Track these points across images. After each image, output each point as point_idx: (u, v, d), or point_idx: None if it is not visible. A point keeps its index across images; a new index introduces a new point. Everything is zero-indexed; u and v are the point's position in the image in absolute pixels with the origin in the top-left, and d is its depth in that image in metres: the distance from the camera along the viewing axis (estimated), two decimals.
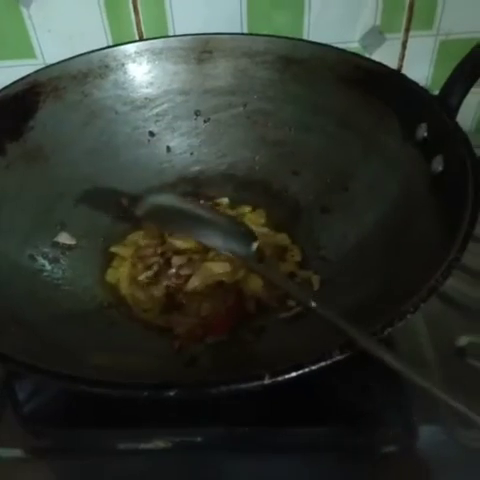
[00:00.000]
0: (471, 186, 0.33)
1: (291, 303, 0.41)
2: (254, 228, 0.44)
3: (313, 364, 0.24)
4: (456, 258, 0.29)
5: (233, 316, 0.40)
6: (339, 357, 0.25)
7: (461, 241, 0.30)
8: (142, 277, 0.43)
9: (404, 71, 0.64)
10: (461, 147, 0.37)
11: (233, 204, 0.51)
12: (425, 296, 0.27)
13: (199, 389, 0.24)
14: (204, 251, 0.44)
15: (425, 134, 0.41)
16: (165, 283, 0.43)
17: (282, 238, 0.46)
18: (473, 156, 0.36)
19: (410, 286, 0.29)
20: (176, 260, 0.44)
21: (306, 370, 0.24)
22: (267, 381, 0.24)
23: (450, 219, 0.33)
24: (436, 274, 0.28)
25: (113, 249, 0.47)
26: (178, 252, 0.45)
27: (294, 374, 0.24)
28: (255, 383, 0.24)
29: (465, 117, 0.68)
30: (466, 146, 0.36)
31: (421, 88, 0.43)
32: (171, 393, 0.24)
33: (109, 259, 0.46)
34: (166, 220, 0.44)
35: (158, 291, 0.42)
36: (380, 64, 0.46)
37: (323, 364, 0.24)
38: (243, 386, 0.24)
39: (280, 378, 0.24)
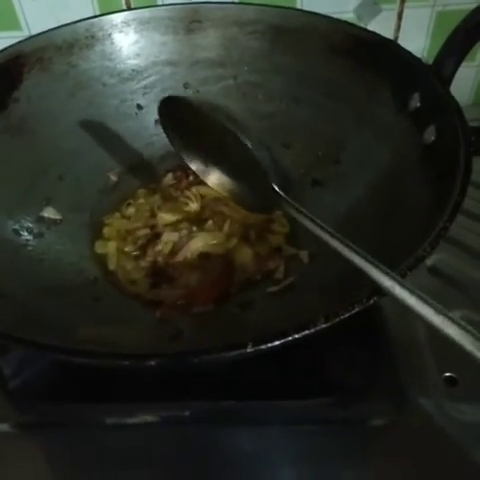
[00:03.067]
0: (462, 155, 0.33)
1: (278, 276, 0.40)
2: None
3: (297, 332, 0.24)
4: (445, 227, 0.28)
5: (218, 287, 0.39)
6: (323, 325, 0.24)
7: (451, 210, 0.29)
8: (130, 248, 0.43)
9: (400, 42, 0.62)
10: (454, 116, 0.36)
11: None
12: (412, 264, 0.27)
13: (181, 358, 0.24)
14: (194, 222, 0.44)
15: (418, 104, 0.40)
16: (154, 257, 0.42)
17: None
18: (465, 126, 0.35)
19: (399, 255, 0.28)
20: (167, 236, 0.43)
21: (289, 338, 0.23)
22: (250, 349, 0.23)
23: (441, 189, 0.32)
24: (424, 243, 0.28)
25: (106, 221, 0.46)
26: (168, 225, 0.45)
27: (277, 342, 0.23)
28: (238, 351, 0.23)
29: (462, 90, 0.68)
30: (459, 115, 0.36)
31: (414, 57, 0.42)
32: (152, 362, 0.23)
33: (97, 232, 0.45)
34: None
35: (146, 263, 0.42)
36: (372, 32, 0.45)
37: (307, 332, 0.24)
38: (226, 355, 0.24)
39: (263, 346, 0.23)
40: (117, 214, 0.47)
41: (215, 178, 0.41)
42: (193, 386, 0.38)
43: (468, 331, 0.24)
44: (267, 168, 0.37)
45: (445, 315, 0.24)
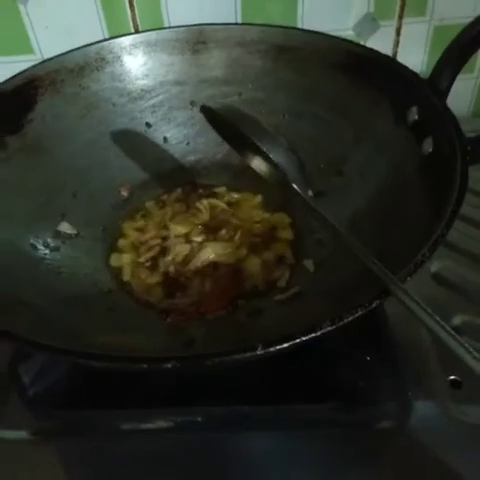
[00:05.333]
0: (459, 165, 0.34)
1: (281, 284, 0.42)
2: (252, 212, 0.46)
3: (304, 335, 0.25)
4: (442, 234, 0.30)
5: (227, 295, 0.41)
6: (329, 328, 0.25)
7: (448, 218, 0.31)
8: (144, 259, 0.45)
9: (399, 57, 0.64)
10: (450, 128, 0.37)
11: (231, 192, 0.51)
12: (412, 270, 0.28)
13: (195, 360, 0.25)
14: (205, 232, 0.46)
15: (416, 117, 0.41)
16: (167, 267, 0.44)
17: (281, 216, 0.48)
18: (461, 136, 0.36)
19: (399, 262, 0.30)
20: (179, 248, 0.45)
21: (297, 340, 0.25)
22: (260, 351, 0.24)
23: (438, 197, 0.33)
24: (423, 249, 0.29)
25: (124, 225, 0.48)
26: (180, 236, 0.46)
27: (286, 345, 0.25)
28: (248, 354, 0.25)
29: (462, 102, 0.69)
30: (455, 127, 0.37)
31: (411, 72, 0.44)
32: (169, 365, 0.25)
33: (111, 245, 0.47)
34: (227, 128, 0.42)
35: (160, 272, 0.44)
36: (371, 49, 0.47)
37: (313, 335, 0.25)
38: (237, 357, 0.25)
39: (272, 349, 0.25)
40: (132, 223, 0.49)
41: (257, 163, 0.44)
42: (205, 392, 0.39)
43: (456, 338, 0.25)
44: (290, 170, 0.40)
45: (436, 320, 0.26)
